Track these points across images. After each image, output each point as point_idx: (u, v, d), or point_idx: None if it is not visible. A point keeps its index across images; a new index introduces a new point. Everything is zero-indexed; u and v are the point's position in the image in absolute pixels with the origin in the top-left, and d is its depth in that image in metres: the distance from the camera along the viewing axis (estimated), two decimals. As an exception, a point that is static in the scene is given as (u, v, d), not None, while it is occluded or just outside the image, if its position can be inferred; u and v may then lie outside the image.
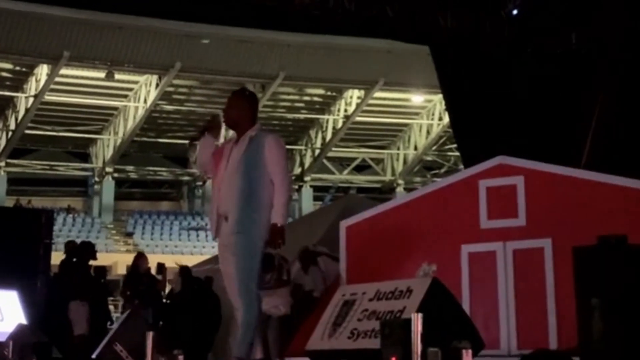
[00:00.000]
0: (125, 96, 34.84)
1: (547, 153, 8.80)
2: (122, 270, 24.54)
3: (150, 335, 5.35)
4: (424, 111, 38.12)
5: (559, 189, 6.77)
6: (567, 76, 12.57)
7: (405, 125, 38.79)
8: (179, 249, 33.43)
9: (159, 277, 12.64)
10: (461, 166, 19.61)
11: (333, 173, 39.70)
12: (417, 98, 37.17)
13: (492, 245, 6.86)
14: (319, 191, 39.44)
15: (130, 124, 34.78)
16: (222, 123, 5.51)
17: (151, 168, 38.13)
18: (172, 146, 37.38)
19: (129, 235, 35.35)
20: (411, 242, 7.31)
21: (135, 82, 34.42)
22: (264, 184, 5.18)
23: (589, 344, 4.38)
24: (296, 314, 8.53)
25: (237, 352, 5.06)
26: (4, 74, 32.78)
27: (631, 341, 4.32)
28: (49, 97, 32.97)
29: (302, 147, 37.86)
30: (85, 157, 37.61)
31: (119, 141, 35.59)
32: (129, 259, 12.81)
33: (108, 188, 36.57)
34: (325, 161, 38.79)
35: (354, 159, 40.00)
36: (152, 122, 35.70)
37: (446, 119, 33.42)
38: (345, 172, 40.20)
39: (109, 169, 36.31)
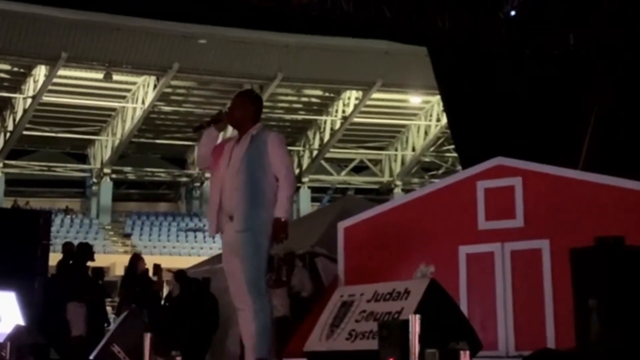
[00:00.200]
0: (123, 97, 34.81)
1: (545, 154, 8.81)
2: (119, 271, 24.50)
3: (147, 337, 5.35)
4: (422, 112, 38.12)
5: (556, 190, 6.78)
6: (564, 77, 12.59)
7: (403, 126, 38.79)
8: (177, 250, 33.41)
9: (155, 278, 12.66)
10: (459, 167, 19.60)
11: (331, 174, 39.70)
12: (414, 99, 37.16)
13: (490, 247, 6.87)
14: (317, 192, 39.43)
15: (128, 125, 34.75)
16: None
17: (149, 169, 38.09)
18: (170, 147, 37.37)
19: (127, 236, 35.31)
20: (409, 243, 7.31)
21: (133, 83, 34.39)
22: (268, 182, 5.19)
23: (587, 345, 4.39)
24: (290, 316, 8.55)
25: (259, 354, 5.04)
26: (2, 75, 32.72)
27: (628, 342, 4.33)
28: (46, 98, 32.93)
29: (300, 148, 37.85)
30: (83, 158, 37.56)
31: (116, 142, 35.55)
32: (127, 260, 12.81)
33: (106, 189, 36.53)
34: (323, 162, 38.78)
35: (352, 160, 39.99)
36: (150, 123, 35.67)
37: (444, 120, 33.45)
38: (343, 173, 40.20)
39: (106, 170, 36.27)
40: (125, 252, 30.43)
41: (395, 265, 7.24)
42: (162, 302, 12.66)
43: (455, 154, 29.27)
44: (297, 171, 37.83)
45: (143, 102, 34.14)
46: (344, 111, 36.90)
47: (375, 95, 36.15)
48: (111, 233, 35.43)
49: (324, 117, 37.39)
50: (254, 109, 5.42)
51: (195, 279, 11.61)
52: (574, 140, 12.03)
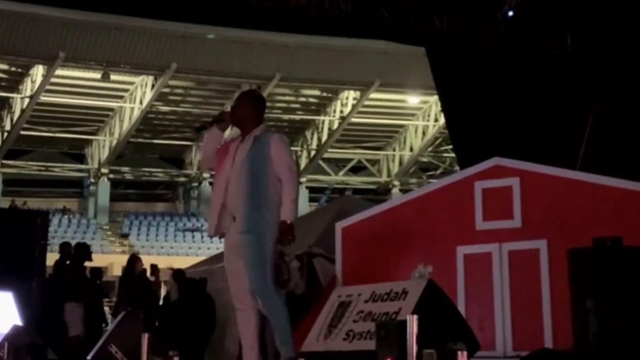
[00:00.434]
0: (121, 97, 34.79)
1: (542, 154, 8.81)
2: (117, 271, 24.44)
3: (145, 337, 5.34)
4: (420, 112, 38.14)
5: (554, 190, 6.78)
6: (562, 77, 12.59)
7: (401, 126, 38.79)
8: (175, 250, 33.39)
9: (152, 278, 12.66)
10: (457, 167, 19.63)
11: (329, 174, 39.69)
12: (412, 99, 37.18)
13: (488, 247, 6.87)
14: (315, 192, 39.42)
15: (126, 125, 34.73)
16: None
17: (147, 169, 38.07)
18: (168, 147, 37.36)
19: (125, 236, 35.29)
20: (407, 243, 7.31)
21: (131, 83, 34.37)
22: (271, 182, 5.18)
23: (584, 345, 4.39)
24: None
25: (286, 355, 5.05)
26: (-1, 75, 32.77)
27: (626, 342, 4.33)
28: (44, 98, 32.91)
29: (298, 148, 37.83)
30: (80, 158, 37.53)
31: (114, 142, 35.54)
32: (125, 260, 12.79)
33: (103, 189, 36.51)
34: (321, 162, 38.78)
35: (350, 160, 40.00)
36: (147, 123, 35.65)
37: (442, 120, 33.46)
38: (341, 173, 40.20)
39: (104, 170, 36.25)
40: (123, 252, 30.42)
41: (393, 266, 7.23)
42: (160, 302, 12.66)
43: (453, 154, 29.27)
44: (295, 171, 37.80)
45: (141, 102, 34.13)
46: (341, 111, 36.90)
47: (373, 95, 36.16)
48: (109, 233, 35.40)
49: (322, 117, 37.39)
50: (257, 109, 5.41)
51: (193, 279, 11.60)
52: (571, 140, 12.03)
